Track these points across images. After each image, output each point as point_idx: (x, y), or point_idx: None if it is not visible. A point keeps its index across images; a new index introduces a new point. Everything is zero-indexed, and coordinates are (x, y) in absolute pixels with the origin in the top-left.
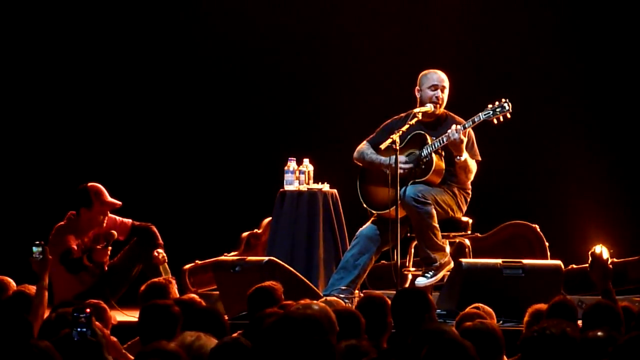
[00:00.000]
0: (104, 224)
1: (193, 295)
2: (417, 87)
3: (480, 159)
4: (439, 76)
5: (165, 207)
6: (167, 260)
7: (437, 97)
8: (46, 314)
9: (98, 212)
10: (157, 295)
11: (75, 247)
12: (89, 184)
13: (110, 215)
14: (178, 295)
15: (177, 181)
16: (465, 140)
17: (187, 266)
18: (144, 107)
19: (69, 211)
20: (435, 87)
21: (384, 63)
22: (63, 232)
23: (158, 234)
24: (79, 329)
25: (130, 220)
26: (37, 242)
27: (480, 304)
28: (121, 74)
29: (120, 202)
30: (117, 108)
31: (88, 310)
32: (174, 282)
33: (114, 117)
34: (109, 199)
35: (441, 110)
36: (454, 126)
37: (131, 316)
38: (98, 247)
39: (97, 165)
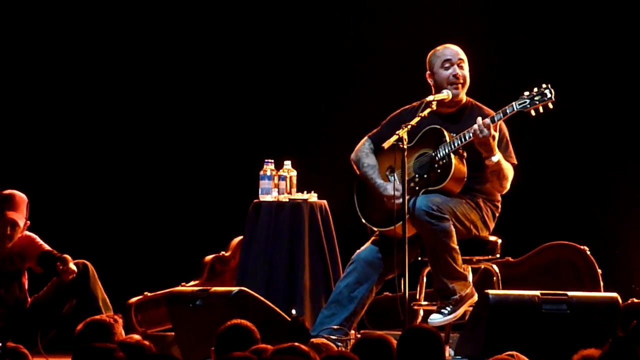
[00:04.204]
0: (7, 242)
1: (140, 337)
2: (428, 72)
3: (516, 162)
4: (453, 50)
5: (106, 224)
6: (75, 274)
7: (455, 76)
8: None
9: None
10: (98, 337)
11: None
12: (9, 190)
13: (29, 233)
14: (124, 337)
15: (120, 192)
16: (497, 136)
17: (134, 300)
18: (79, 111)
19: None
20: (449, 63)
21: (389, 42)
22: None
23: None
24: None
25: (46, 246)
26: None
27: (515, 352)
28: (55, 76)
29: (19, 221)
30: (50, 114)
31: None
32: (120, 320)
33: (46, 123)
34: (11, 211)
35: (463, 95)
36: (479, 119)
37: None
38: (64, 268)
39: (25, 177)
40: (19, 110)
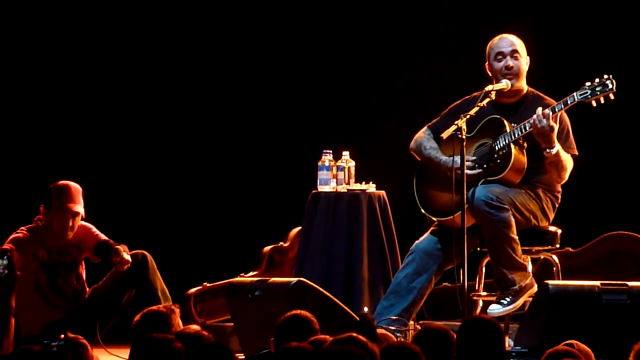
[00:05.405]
0: (68, 235)
1: (200, 327)
2: (487, 62)
3: (577, 153)
4: (507, 40)
5: (166, 215)
6: (130, 264)
7: (507, 67)
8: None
9: (55, 216)
10: (156, 327)
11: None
12: (62, 182)
13: (85, 223)
14: (182, 328)
15: (180, 183)
16: (556, 127)
17: (193, 290)
18: (137, 101)
19: (35, 214)
20: (502, 56)
21: (448, 31)
22: (27, 238)
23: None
24: None
25: (103, 235)
26: (2, 251)
27: (575, 341)
28: (114, 65)
29: (81, 212)
30: (109, 104)
31: (62, 336)
32: (177, 311)
33: (105, 113)
34: (72, 203)
35: (523, 85)
36: (539, 110)
37: (120, 356)
38: (117, 259)
39: (84, 168)
40: (80, 99)
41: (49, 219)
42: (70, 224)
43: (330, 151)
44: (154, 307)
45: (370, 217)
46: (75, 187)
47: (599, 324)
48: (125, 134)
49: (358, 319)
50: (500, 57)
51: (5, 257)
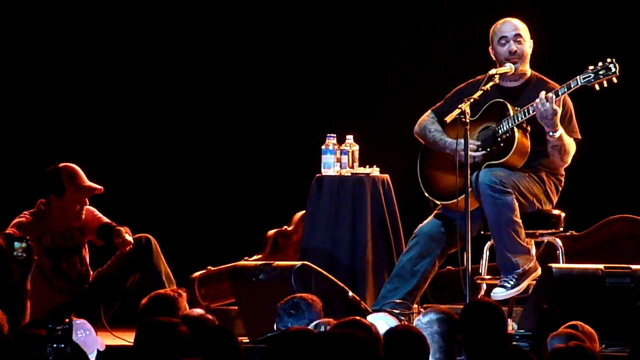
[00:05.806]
0: (82, 216)
1: (203, 311)
2: (490, 46)
3: (580, 137)
4: (510, 24)
5: (169, 199)
6: (132, 244)
7: (511, 52)
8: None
9: (72, 200)
10: (163, 311)
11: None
12: (61, 164)
13: (87, 206)
14: (187, 311)
15: (184, 167)
16: (559, 111)
17: (197, 274)
18: (145, 88)
19: (39, 199)
20: (505, 40)
21: (451, 14)
22: (29, 223)
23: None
24: (55, 345)
25: (105, 218)
26: (20, 237)
27: (578, 322)
28: (116, 51)
29: (101, 187)
30: (116, 91)
31: (66, 320)
32: (184, 294)
33: (108, 97)
34: (87, 182)
35: (527, 69)
36: (542, 93)
37: (124, 339)
38: (119, 240)
39: (88, 152)
40: (85, 84)
41: (63, 204)
42: (87, 202)
43: (334, 135)
44: (161, 291)
45: (374, 200)
46: (75, 166)
47: (602, 307)
48: (129, 118)
49: (354, 297)
50: (503, 41)
51: (24, 240)
